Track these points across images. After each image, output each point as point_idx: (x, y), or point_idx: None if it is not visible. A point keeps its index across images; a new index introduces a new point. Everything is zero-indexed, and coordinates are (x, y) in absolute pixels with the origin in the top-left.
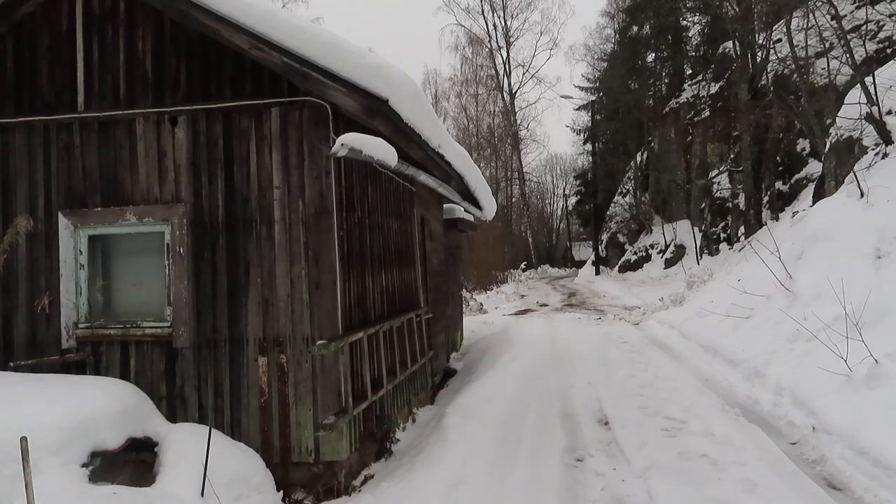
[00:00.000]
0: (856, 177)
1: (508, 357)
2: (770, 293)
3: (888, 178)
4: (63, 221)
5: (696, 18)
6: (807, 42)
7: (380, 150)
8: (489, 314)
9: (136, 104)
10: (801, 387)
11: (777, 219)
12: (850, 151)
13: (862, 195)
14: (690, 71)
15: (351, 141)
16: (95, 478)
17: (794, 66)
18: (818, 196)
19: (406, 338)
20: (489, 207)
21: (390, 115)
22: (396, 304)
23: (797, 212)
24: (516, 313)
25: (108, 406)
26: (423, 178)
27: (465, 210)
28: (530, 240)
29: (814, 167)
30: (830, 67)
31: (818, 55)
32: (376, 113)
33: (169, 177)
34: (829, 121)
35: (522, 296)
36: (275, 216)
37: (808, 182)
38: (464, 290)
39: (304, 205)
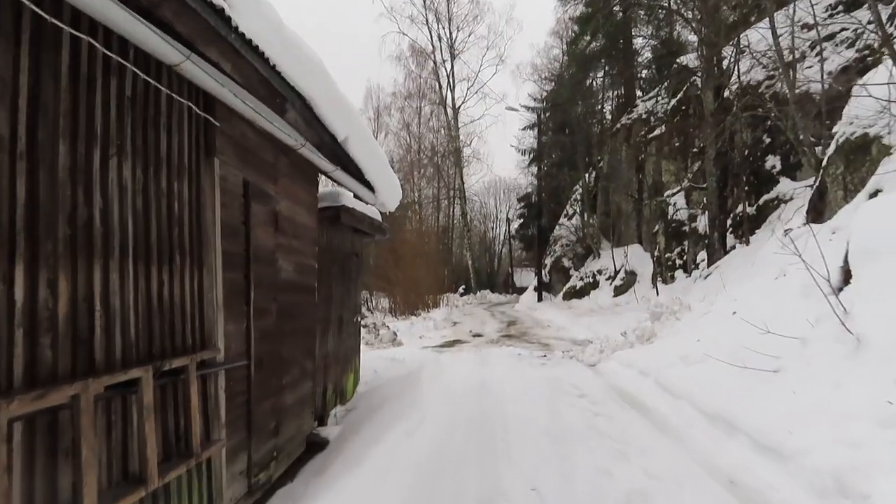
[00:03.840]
0: None
1: (411, 421)
2: (806, 335)
3: None
4: None
5: (648, 33)
6: (793, 41)
7: None
8: (404, 347)
9: None
10: None
11: (747, 242)
12: (864, 153)
13: None
14: (641, 94)
15: None
16: None
17: (778, 65)
18: (815, 210)
19: (137, 418)
20: (387, 191)
21: None
22: (115, 348)
23: (790, 230)
24: (442, 345)
25: None
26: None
27: (357, 196)
28: (470, 263)
29: (785, 186)
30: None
31: (797, 60)
32: None
33: None
34: (811, 138)
35: (455, 323)
36: None
37: (779, 203)
38: (376, 313)
39: None
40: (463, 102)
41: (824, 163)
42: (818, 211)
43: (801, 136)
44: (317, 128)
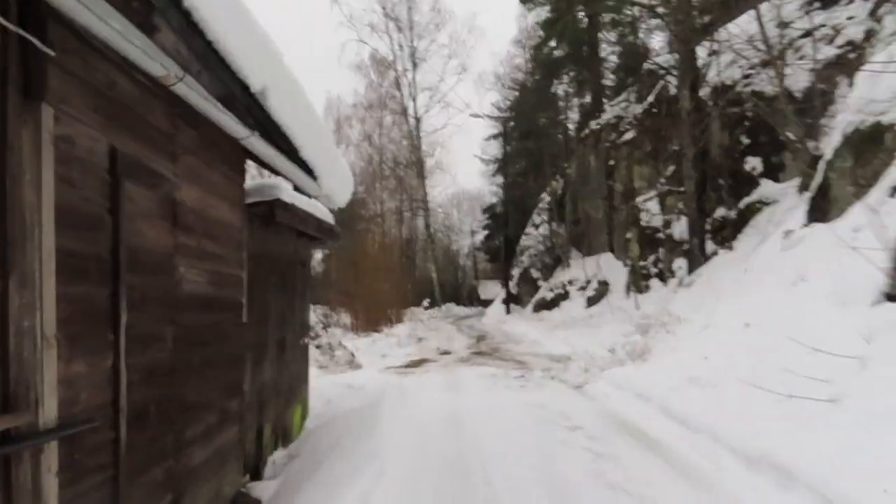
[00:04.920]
0: None
1: (367, 475)
2: (863, 353)
3: None
4: None
5: (613, 38)
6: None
7: None
8: (363, 370)
9: None
10: None
11: (731, 248)
12: (876, 143)
13: None
14: (607, 101)
15: None
16: None
17: (761, 58)
18: (819, 209)
19: None
20: (333, 179)
21: None
22: None
23: (790, 231)
24: (407, 365)
25: None
26: None
27: (298, 189)
28: (435, 276)
29: (767, 188)
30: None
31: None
32: None
33: None
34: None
35: (420, 339)
36: None
37: (761, 206)
38: (334, 330)
39: None
40: (426, 112)
41: (827, 157)
42: (822, 210)
43: (792, 133)
44: (215, 66)
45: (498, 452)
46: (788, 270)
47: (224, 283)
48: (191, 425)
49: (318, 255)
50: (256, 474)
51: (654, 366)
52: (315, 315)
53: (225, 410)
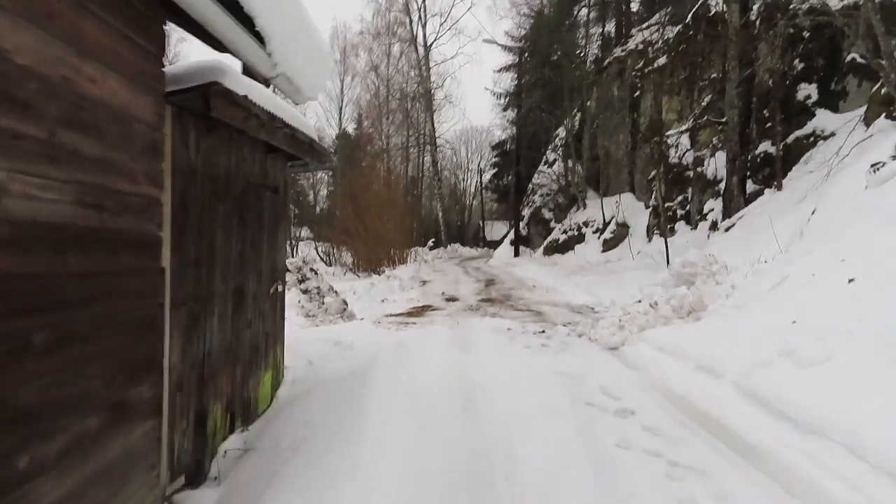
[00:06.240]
0: None
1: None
2: None
3: None
4: None
5: None
6: None
7: None
8: (357, 320)
9: None
10: None
11: (779, 187)
12: None
13: None
14: (633, 27)
15: None
16: None
17: None
18: None
19: None
20: (291, 46)
21: None
22: None
23: (878, 164)
24: (408, 313)
25: None
26: None
27: (248, 69)
28: (441, 215)
29: (825, 120)
30: None
31: None
32: None
33: None
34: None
35: (424, 282)
36: None
37: (815, 139)
38: (335, 269)
39: None
40: (435, 40)
41: None
42: None
43: (870, 52)
44: None
45: (530, 457)
46: (889, 210)
47: (117, 208)
48: (31, 445)
49: (323, 190)
50: (196, 476)
51: (715, 329)
52: (318, 252)
53: (121, 404)
